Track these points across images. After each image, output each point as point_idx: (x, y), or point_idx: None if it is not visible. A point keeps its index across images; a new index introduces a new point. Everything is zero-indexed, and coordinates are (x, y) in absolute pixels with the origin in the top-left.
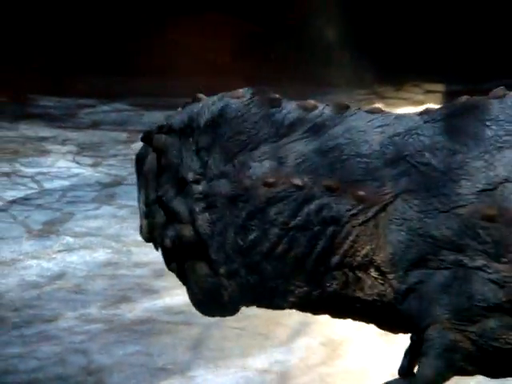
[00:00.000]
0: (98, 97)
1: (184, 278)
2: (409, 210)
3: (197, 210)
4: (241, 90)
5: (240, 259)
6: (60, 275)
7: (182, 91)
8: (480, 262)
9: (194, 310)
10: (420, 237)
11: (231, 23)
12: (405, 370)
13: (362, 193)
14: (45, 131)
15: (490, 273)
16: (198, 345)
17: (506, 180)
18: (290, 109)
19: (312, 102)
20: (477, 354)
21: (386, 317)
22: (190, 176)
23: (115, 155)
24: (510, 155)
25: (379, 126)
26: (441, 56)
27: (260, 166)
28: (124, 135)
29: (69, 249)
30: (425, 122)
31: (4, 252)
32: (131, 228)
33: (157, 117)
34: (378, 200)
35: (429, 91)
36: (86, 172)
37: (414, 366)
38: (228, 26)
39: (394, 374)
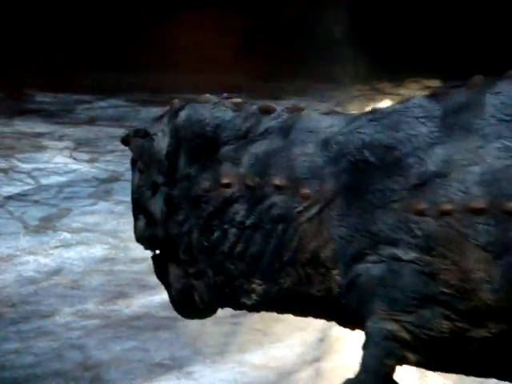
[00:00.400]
0: (95, 93)
1: (163, 280)
2: (348, 207)
3: (166, 211)
4: (207, 95)
5: (205, 259)
6: (57, 271)
7: (180, 87)
8: (412, 255)
9: None
10: (359, 232)
11: (231, 18)
12: None
13: (306, 191)
14: (41, 127)
15: (421, 265)
16: (196, 340)
17: (436, 175)
18: (248, 112)
19: (272, 105)
20: (415, 343)
21: (337, 312)
22: (160, 179)
23: (112, 151)
24: (441, 151)
25: (327, 127)
26: (439, 53)
27: (218, 168)
28: (121, 131)
29: (66, 244)
30: (368, 121)
31: (1, 248)
32: (128, 224)
33: (154, 112)
34: (320, 197)
35: (428, 87)
36: (83, 168)
37: None
38: (227, 22)
39: None
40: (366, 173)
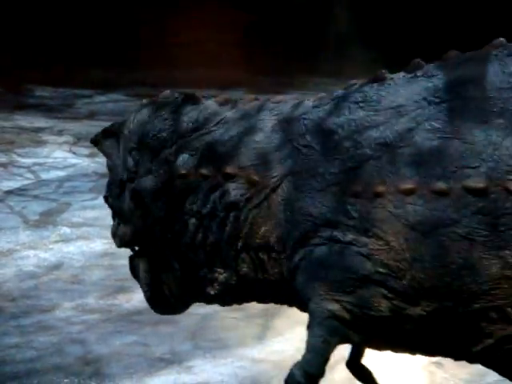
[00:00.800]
0: (95, 87)
1: (136, 278)
2: (293, 191)
3: (132, 207)
4: (167, 92)
5: (170, 252)
6: (57, 265)
7: (180, 82)
8: (350, 236)
9: None
10: (302, 216)
11: (231, 14)
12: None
13: (254, 177)
14: (41, 122)
15: (359, 246)
16: (196, 335)
17: (370, 158)
18: (207, 105)
19: (227, 97)
20: (355, 322)
21: (291, 297)
22: (125, 175)
23: None
24: (375, 134)
25: (276, 114)
26: (443, 48)
27: (176, 160)
28: None
29: (66, 239)
30: (312, 107)
31: (1, 242)
32: None
33: None
34: (267, 183)
35: None
36: (83, 162)
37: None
38: (228, 17)
39: (389, 361)
40: (308, 157)
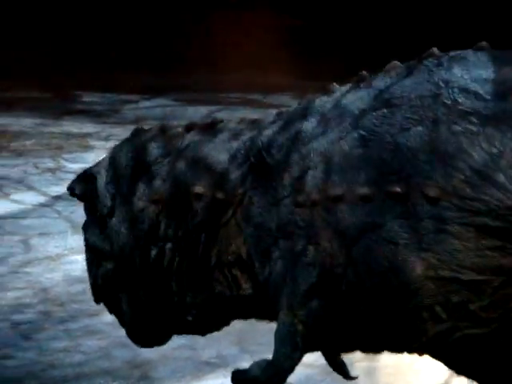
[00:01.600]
0: (142, 92)
1: (117, 315)
2: (253, 207)
3: (112, 240)
4: (138, 127)
5: (149, 282)
6: None
7: (225, 86)
8: (300, 246)
9: None
10: (263, 230)
11: (275, 18)
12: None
13: (220, 195)
14: (88, 127)
15: (307, 255)
16: (243, 338)
17: (310, 168)
18: (176, 132)
19: (195, 123)
20: (310, 334)
21: (268, 312)
22: (104, 210)
23: None
24: (316, 145)
25: (238, 134)
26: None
27: (149, 187)
28: None
29: None
30: (270, 123)
31: (49, 247)
32: None
33: (200, 111)
34: (233, 200)
35: None
36: None
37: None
38: (274, 21)
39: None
40: (264, 173)
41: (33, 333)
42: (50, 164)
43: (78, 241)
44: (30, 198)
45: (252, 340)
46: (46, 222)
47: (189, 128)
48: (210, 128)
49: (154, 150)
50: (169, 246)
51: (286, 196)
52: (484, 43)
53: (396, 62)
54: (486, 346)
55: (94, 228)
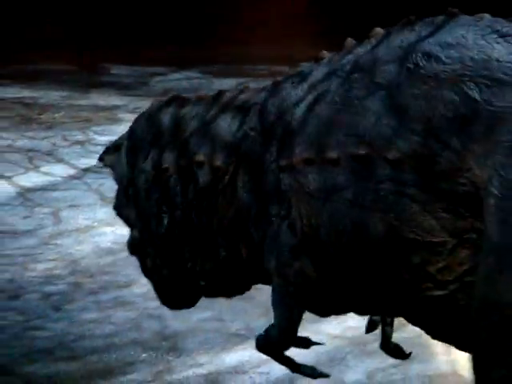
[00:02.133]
0: (169, 65)
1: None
2: (247, 174)
3: (134, 209)
4: (156, 100)
5: (166, 247)
6: None
7: (252, 59)
8: (284, 210)
9: None
10: (255, 196)
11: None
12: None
13: (217, 163)
14: (116, 99)
15: (289, 218)
16: (271, 310)
17: (291, 133)
18: (185, 104)
19: (203, 95)
20: (298, 293)
21: (266, 276)
22: (125, 181)
23: None
24: (295, 111)
25: (239, 104)
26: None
27: (159, 156)
28: None
29: None
30: (264, 91)
31: (79, 219)
32: None
33: (228, 84)
34: (229, 168)
35: None
36: None
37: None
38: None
39: None
40: (256, 141)
41: (63, 304)
42: (79, 136)
43: (107, 213)
44: (59, 171)
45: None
46: (76, 195)
47: (199, 99)
48: (216, 99)
49: (166, 120)
50: (178, 213)
51: (272, 161)
52: (456, 10)
53: (378, 28)
54: (447, 308)
55: (122, 197)
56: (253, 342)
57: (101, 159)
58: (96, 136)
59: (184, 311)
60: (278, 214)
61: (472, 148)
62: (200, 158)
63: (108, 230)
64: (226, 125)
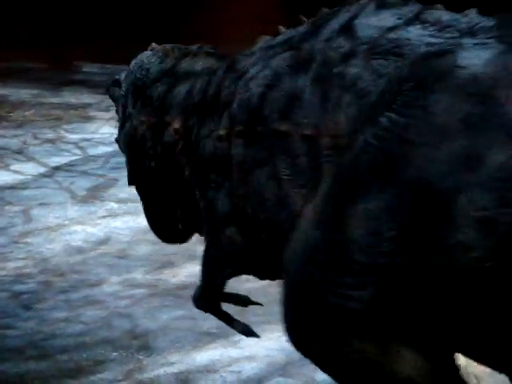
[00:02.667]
0: None
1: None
2: (195, 139)
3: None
4: (153, 44)
5: (149, 189)
6: (104, 240)
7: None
8: (220, 178)
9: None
10: (200, 162)
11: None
12: None
13: (176, 126)
14: (88, 97)
15: (224, 187)
16: (243, 309)
17: (227, 105)
18: (172, 57)
19: (189, 48)
20: (227, 259)
21: None
22: (119, 121)
23: None
24: (239, 84)
25: (208, 70)
26: None
27: (142, 107)
28: None
29: (113, 214)
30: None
31: (49, 218)
32: None
33: None
34: (183, 132)
35: None
36: None
37: None
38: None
39: None
40: (206, 108)
41: (33, 303)
42: (50, 135)
43: (77, 211)
44: (29, 169)
45: (252, 311)
46: (46, 193)
47: (185, 54)
48: (195, 56)
49: (153, 72)
50: (152, 164)
51: (213, 130)
52: None
53: (325, 9)
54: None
55: (120, 130)
56: (225, 341)
57: (106, 90)
58: (67, 134)
59: (154, 310)
60: (215, 181)
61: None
62: (167, 118)
63: (79, 228)
64: (186, 89)
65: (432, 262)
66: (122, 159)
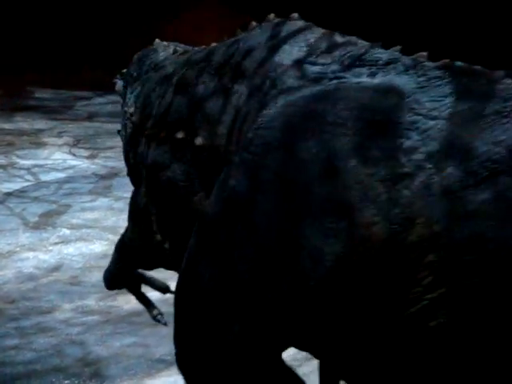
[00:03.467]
0: (94, 89)
1: None
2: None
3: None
4: (157, 40)
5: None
6: (57, 267)
7: None
8: (142, 177)
9: None
10: (135, 156)
11: (230, 17)
12: None
13: (134, 119)
14: (41, 123)
15: (143, 184)
16: None
17: (149, 106)
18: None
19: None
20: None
21: None
22: (130, 111)
23: (111, 147)
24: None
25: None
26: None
27: (131, 100)
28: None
29: (65, 241)
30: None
31: (1, 244)
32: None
33: None
34: (144, 127)
35: None
36: (83, 164)
37: None
38: (227, 20)
39: None
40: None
41: None
42: (2, 160)
43: (29, 237)
44: None
45: None
46: None
47: (174, 52)
48: (181, 55)
49: (145, 66)
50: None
51: (144, 129)
52: (296, 14)
53: (253, 23)
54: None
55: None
56: (177, 369)
57: (114, 83)
58: (19, 160)
59: (107, 337)
60: (141, 176)
61: None
62: (130, 110)
63: (30, 255)
64: (155, 83)
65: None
66: (75, 185)
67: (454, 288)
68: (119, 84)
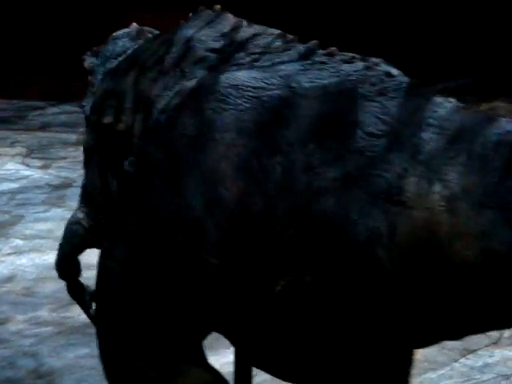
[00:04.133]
0: (48, 99)
1: None
2: None
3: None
4: (134, 24)
5: None
6: (9, 278)
7: None
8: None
9: None
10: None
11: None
12: None
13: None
14: None
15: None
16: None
17: None
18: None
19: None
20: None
21: None
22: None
23: (65, 157)
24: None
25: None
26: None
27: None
28: (74, 137)
29: (18, 251)
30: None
31: None
32: None
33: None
34: (126, 123)
35: None
36: (36, 174)
37: None
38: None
39: None
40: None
41: None
42: None
43: None
44: None
45: None
46: None
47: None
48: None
49: (117, 48)
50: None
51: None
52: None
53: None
54: None
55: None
56: None
57: (83, 60)
58: None
59: (60, 348)
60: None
61: None
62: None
63: None
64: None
65: None
66: (28, 195)
67: (310, 264)
68: (89, 60)
